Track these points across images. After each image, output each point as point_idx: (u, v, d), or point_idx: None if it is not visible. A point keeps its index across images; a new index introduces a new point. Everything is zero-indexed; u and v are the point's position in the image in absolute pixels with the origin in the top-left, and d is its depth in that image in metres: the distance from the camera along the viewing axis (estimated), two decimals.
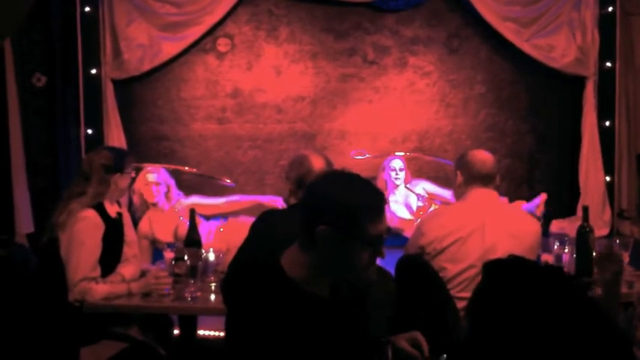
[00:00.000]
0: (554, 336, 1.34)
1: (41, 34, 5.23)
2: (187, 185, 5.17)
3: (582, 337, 1.34)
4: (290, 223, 2.80)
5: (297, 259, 1.87)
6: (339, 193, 1.82)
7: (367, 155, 5.32)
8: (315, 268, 1.85)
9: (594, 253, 3.46)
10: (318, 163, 2.90)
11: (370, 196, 1.84)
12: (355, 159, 5.38)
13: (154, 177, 4.35)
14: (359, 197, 1.82)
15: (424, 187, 5.08)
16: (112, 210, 3.34)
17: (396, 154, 5.20)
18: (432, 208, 4.85)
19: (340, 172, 1.98)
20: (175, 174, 4.89)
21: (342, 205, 1.80)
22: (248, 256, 2.74)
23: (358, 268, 1.85)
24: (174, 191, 4.46)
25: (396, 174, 5.03)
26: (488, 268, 1.52)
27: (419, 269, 3.07)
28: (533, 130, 5.67)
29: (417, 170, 5.53)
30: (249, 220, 3.16)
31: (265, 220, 2.89)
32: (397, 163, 5.05)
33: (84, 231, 3.16)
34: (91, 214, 3.20)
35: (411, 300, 2.87)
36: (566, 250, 3.60)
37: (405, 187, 5.07)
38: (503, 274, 1.48)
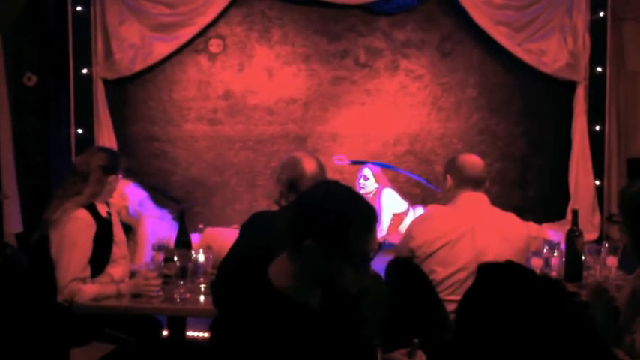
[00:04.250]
0: (540, 344, 1.33)
1: (33, 33, 5.21)
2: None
3: (567, 349, 1.33)
4: (281, 225, 2.80)
5: (285, 269, 1.83)
6: (328, 207, 1.78)
7: (346, 162, 5.28)
8: (303, 278, 1.82)
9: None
10: (310, 167, 2.90)
11: (360, 212, 1.80)
12: (337, 164, 5.34)
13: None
14: (348, 212, 1.77)
15: (385, 194, 4.98)
16: (102, 210, 3.34)
17: (371, 163, 5.12)
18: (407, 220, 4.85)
19: (332, 183, 1.92)
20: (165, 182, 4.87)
21: (329, 219, 1.75)
22: (236, 263, 2.73)
23: (344, 282, 1.82)
24: (147, 204, 4.41)
25: (361, 181, 4.99)
26: (482, 269, 1.50)
27: (408, 272, 3.08)
28: (525, 133, 5.69)
29: (408, 172, 5.54)
30: (228, 230, 3.14)
31: (256, 221, 2.89)
32: (364, 171, 5.01)
33: (76, 231, 3.17)
34: (84, 215, 3.20)
35: (400, 302, 2.87)
36: (555, 254, 3.61)
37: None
38: (496, 277, 1.46)
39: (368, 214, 1.81)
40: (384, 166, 5.19)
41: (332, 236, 1.75)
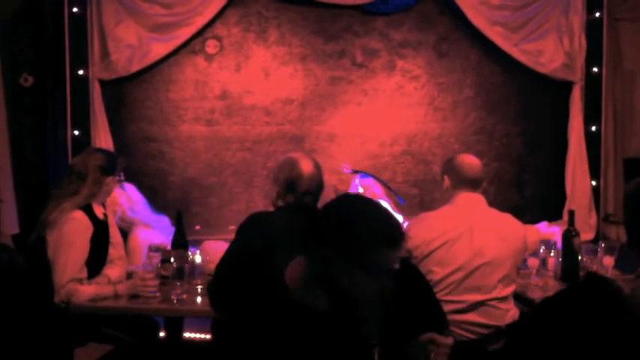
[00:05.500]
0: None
1: (29, 34, 5.20)
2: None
3: None
4: (280, 226, 2.80)
5: (299, 273, 1.85)
6: (348, 217, 1.80)
7: (349, 170, 5.24)
8: (314, 282, 1.83)
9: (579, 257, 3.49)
10: (307, 167, 2.90)
11: (379, 225, 1.81)
12: (345, 172, 5.31)
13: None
14: (367, 224, 1.79)
15: None
16: (98, 211, 3.34)
17: (362, 175, 5.08)
18: None
19: (358, 196, 1.97)
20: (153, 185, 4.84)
21: (347, 229, 1.77)
22: (234, 264, 2.73)
23: (355, 291, 1.83)
24: (140, 210, 4.40)
25: (350, 191, 4.98)
26: (588, 278, 1.54)
27: (405, 272, 3.08)
28: (522, 133, 5.70)
29: (404, 172, 5.55)
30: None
31: (255, 222, 2.88)
32: (355, 181, 5.00)
33: (73, 232, 3.16)
34: (80, 216, 3.20)
35: (398, 302, 2.87)
36: (552, 254, 3.62)
37: None
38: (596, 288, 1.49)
39: (387, 228, 1.82)
40: (369, 177, 5.13)
41: (351, 247, 1.77)
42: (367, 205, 1.88)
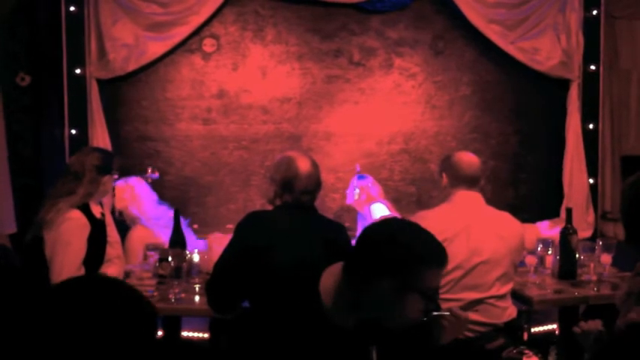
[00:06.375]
0: None
1: (26, 33, 5.19)
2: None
3: None
4: (279, 223, 2.80)
5: (335, 285, 1.88)
6: (400, 239, 1.83)
7: (357, 169, 5.22)
8: (351, 301, 1.85)
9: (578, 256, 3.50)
10: (304, 166, 2.90)
11: (428, 250, 1.86)
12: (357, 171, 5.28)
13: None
14: (419, 247, 1.84)
15: (375, 209, 4.94)
16: (96, 210, 3.34)
17: (360, 177, 5.06)
18: None
19: (402, 220, 2.06)
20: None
21: (403, 254, 1.81)
22: (234, 262, 2.73)
23: (408, 317, 1.85)
24: (144, 204, 4.38)
25: (347, 191, 4.98)
26: None
27: None
28: (518, 131, 5.69)
29: (402, 171, 5.54)
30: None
31: (255, 220, 2.88)
32: (354, 182, 4.99)
33: (70, 231, 3.16)
34: (78, 215, 3.20)
35: None
36: (549, 252, 3.63)
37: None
38: None
39: (437, 252, 1.87)
40: (366, 178, 5.11)
41: (401, 269, 1.80)
42: (412, 226, 1.93)
